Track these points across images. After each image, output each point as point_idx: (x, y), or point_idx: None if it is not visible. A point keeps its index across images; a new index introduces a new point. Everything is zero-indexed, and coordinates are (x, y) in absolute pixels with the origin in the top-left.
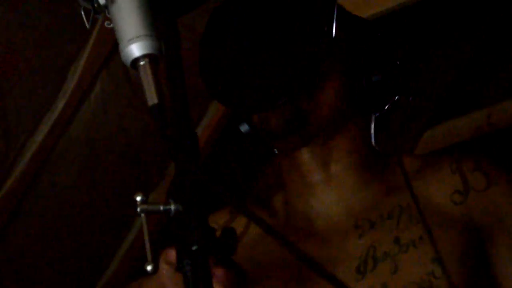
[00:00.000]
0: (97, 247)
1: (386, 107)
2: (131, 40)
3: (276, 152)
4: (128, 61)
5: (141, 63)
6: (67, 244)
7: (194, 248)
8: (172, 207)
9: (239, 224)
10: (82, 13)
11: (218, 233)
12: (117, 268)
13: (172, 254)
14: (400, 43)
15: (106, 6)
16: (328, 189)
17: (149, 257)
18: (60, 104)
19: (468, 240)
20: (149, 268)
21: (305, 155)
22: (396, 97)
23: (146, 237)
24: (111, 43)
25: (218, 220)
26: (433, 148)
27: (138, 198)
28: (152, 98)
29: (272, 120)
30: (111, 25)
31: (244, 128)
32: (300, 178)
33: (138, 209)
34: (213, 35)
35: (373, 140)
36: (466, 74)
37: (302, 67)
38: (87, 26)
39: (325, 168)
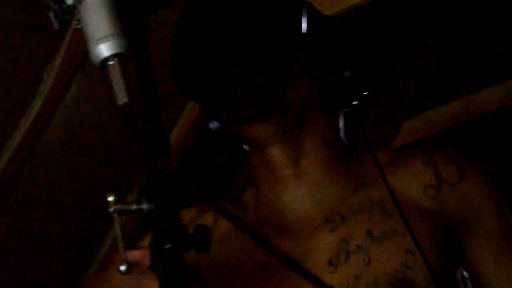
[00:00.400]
0: (77, 249)
1: (355, 102)
2: (100, 40)
3: (247, 149)
4: (97, 61)
5: (111, 62)
6: (46, 246)
7: (167, 246)
8: (145, 206)
9: (208, 220)
10: (50, 14)
11: (190, 231)
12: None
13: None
14: (374, 35)
15: (74, 6)
16: (298, 184)
17: (123, 257)
18: (36, 106)
19: (442, 232)
20: (122, 268)
21: (275, 150)
22: (365, 93)
23: (119, 237)
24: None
25: (185, 217)
26: (413, 139)
27: (110, 199)
28: (122, 97)
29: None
30: (80, 26)
31: (213, 125)
32: (270, 173)
33: (110, 210)
34: (184, 32)
35: (342, 135)
36: (443, 64)
37: (272, 63)
38: (56, 27)
39: (295, 163)
